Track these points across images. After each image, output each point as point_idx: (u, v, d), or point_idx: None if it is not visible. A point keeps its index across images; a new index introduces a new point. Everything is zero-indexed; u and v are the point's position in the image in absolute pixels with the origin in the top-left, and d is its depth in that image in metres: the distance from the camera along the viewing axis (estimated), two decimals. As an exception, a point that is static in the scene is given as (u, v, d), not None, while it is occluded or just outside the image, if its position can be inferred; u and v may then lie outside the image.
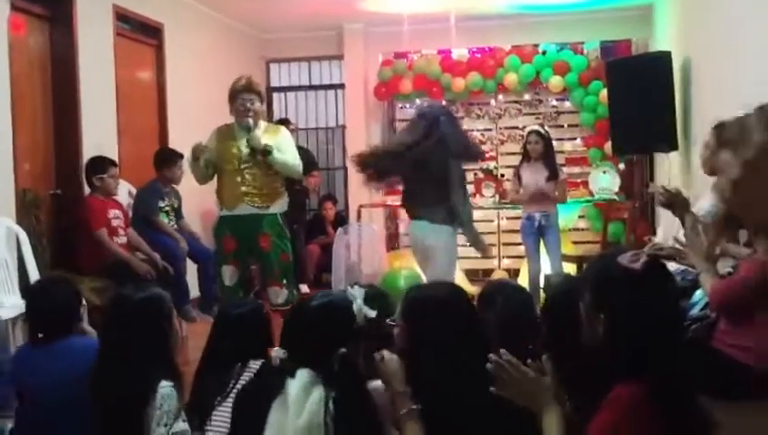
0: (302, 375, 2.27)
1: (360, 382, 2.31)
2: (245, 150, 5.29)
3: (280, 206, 5.46)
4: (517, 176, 6.45)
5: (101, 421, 2.57)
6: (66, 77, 5.71)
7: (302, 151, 8.49)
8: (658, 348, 1.84)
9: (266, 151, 5.26)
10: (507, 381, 1.93)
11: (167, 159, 6.28)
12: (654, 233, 6.46)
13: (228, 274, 5.40)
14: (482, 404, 2.02)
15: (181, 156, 6.22)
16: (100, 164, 5.53)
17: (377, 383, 2.30)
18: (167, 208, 6.23)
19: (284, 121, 8.20)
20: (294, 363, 2.30)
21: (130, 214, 5.94)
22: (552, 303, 2.43)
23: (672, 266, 3.12)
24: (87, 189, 5.59)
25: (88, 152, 5.70)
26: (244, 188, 5.29)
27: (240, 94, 5.34)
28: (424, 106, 5.34)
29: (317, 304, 2.43)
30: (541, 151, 6.30)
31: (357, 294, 2.42)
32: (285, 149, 5.43)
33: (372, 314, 2.41)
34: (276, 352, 2.40)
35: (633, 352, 1.83)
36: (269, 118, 9.47)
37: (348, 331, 2.41)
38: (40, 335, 2.94)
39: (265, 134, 5.36)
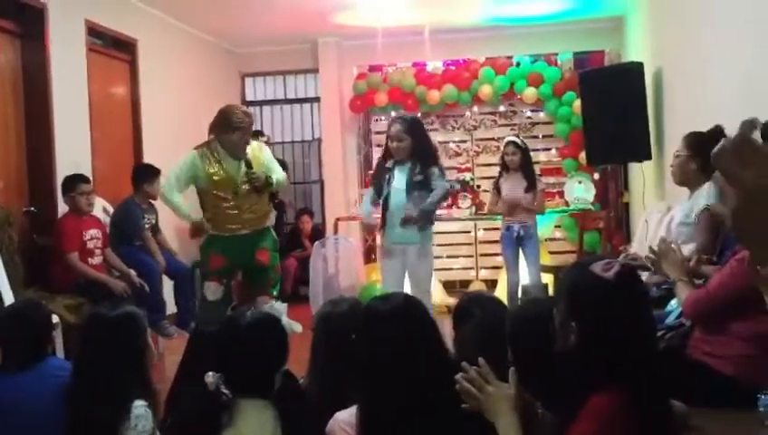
0: (253, 407, 2.26)
1: (304, 400, 2.30)
2: (244, 186, 5.21)
3: (271, 219, 5.52)
4: (497, 188, 6.45)
5: (76, 442, 2.54)
6: (39, 93, 5.64)
7: (281, 164, 8.52)
8: (632, 357, 1.84)
9: (268, 184, 5.30)
10: (471, 393, 1.94)
11: (146, 174, 6.23)
12: (629, 242, 6.51)
13: (212, 289, 5.32)
14: (442, 417, 1.98)
15: (159, 171, 6.16)
16: (70, 182, 5.46)
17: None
18: (146, 225, 6.18)
19: (258, 134, 8.16)
20: (235, 389, 2.27)
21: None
22: (519, 329, 2.40)
23: (646, 275, 3.15)
24: (65, 207, 5.53)
25: (62, 169, 5.64)
26: (244, 216, 5.26)
27: (247, 133, 5.25)
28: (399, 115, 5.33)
29: (250, 324, 2.39)
30: (518, 162, 6.30)
31: (281, 310, 2.41)
32: (272, 166, 5.45)
33: (299, 329, 2.41)
34: (213, 377, 2.28)
35: (606, 360, 1.84)
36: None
37: (285, 348, 2.40)
38: (12, 361, 2.89)
39: (251, 153, 5.30)
